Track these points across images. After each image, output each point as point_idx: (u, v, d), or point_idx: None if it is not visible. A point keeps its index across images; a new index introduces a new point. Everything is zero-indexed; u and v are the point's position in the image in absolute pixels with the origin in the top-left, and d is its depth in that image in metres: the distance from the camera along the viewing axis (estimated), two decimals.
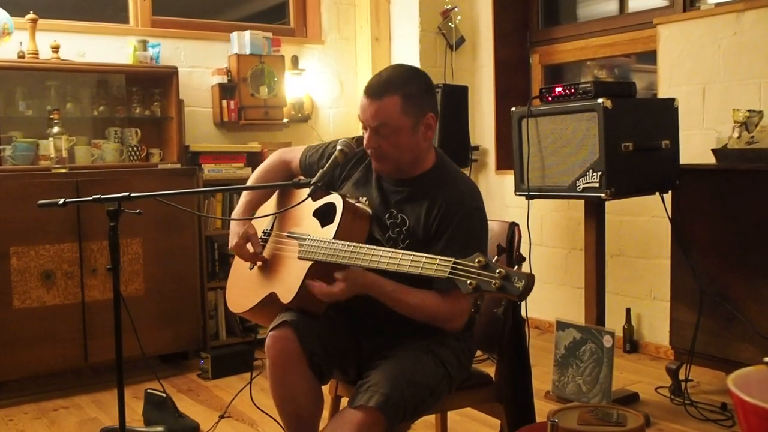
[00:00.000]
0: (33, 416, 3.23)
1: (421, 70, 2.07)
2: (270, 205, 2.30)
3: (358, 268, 1.87)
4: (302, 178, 2.19)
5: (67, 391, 3.51)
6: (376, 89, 1.96)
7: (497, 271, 1.56)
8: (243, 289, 2.19)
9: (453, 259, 1.64)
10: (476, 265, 1.59)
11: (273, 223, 2.23)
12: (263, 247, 2.19)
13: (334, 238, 1.93)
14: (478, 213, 1.99)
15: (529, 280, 1.54)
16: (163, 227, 3.69)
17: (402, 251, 1.78)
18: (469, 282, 1.58)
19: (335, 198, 2.05)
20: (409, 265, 1.73)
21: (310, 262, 1.94)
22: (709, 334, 3.12)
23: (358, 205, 2.06)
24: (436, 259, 1.68)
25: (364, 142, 2.01)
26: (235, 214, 2.25)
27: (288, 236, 2.10)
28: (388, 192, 2.07)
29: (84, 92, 3.92)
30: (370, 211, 2.06)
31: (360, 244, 1.86)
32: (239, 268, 2.27)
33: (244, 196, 2.29)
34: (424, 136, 2.00)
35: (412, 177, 2.04)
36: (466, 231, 1.95)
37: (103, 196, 1.93)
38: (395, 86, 1.95)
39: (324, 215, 2.06)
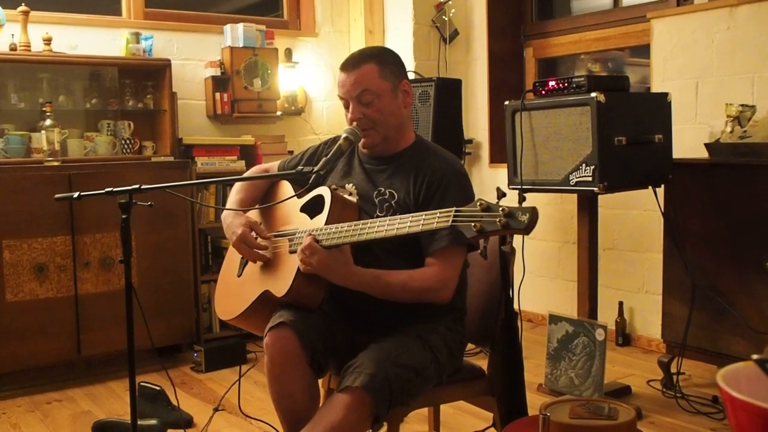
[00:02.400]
0: (26, 409, 3.23)
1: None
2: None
3: (341, 256, 1.88)
4: (303, 168, 2.12)
5: (60, 384, 3.51)
6: (352, 61, 2.05)
7: (500, 209, 1.55)
8: (232, 296, 2.16)
9: (454, 208, 1.63)
10: (478, 208, 1.59)
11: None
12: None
13: (325, 225, 1.94)
14: (462, 175, 2.05)
15: (534, 213, 1.53)
16: (156, 220, 3.68)
17: (398, 216, 1.79)
18: (473, 224, 1.57)
19: (322, 190, 2.05)
20: (409, 226, 1.72)
21: None
22: (701, 328, 3.14)
23: (345, 195, 2.06)
24: (435, 213, 1.67)
25: (350, 117, 2.04)
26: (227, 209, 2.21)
27: (275, 236, 2.09)
28: (374, 172, 2.10)
29: (76, 85, 3.90)
30: (356, 200, 2.07)
31: (353, 222, 1.87)
32: (226, 275, 2.25)
33: (236, 194, 2.26)
34: (404, 102, 2.09)
35: (394, 153, 2.09)
36: (455, 191, 1.98)
37: (115, 189, 1.95)
38: (368, 56, 2.06)
39: (312, 209, 2.05)
